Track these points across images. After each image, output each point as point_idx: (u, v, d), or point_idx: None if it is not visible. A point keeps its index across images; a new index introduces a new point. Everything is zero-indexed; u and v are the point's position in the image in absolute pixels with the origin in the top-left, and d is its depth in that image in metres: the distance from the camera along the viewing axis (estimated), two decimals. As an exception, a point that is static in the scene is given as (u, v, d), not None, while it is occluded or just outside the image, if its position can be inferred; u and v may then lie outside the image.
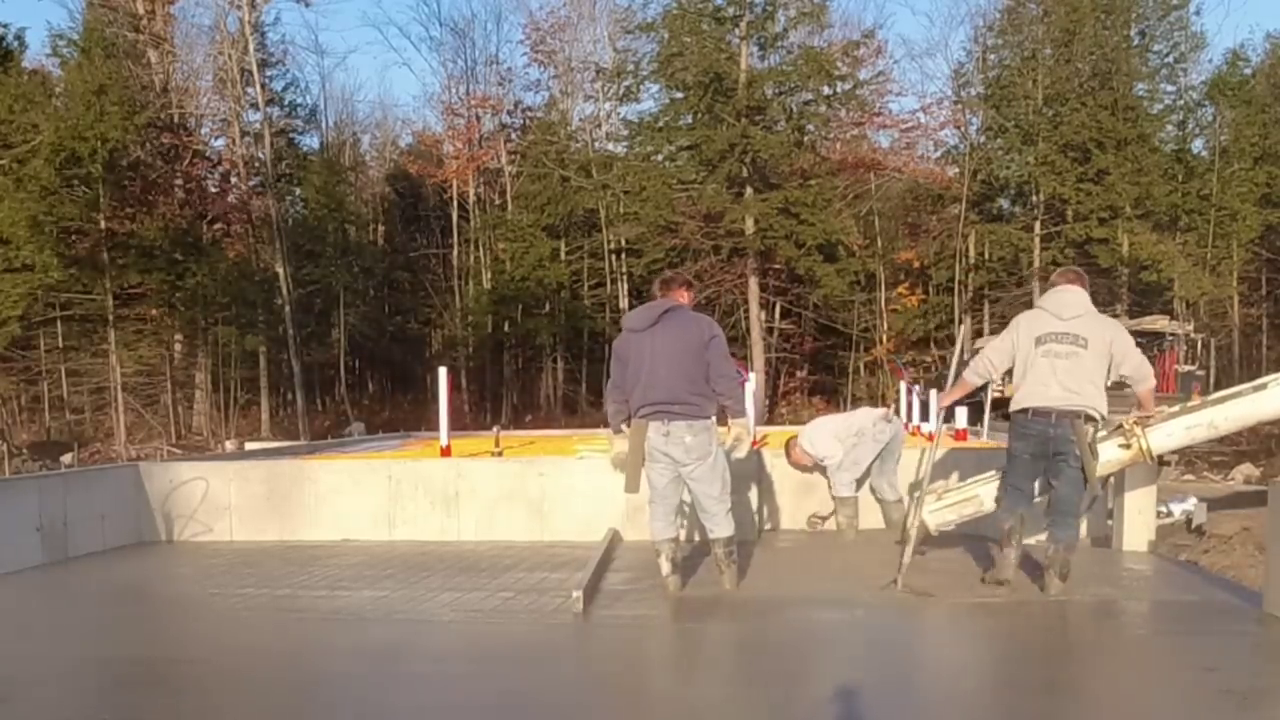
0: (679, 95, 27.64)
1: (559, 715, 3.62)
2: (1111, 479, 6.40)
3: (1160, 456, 6.31)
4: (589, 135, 33.06)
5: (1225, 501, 12.41)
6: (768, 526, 7.28)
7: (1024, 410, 5.17)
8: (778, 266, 28.21)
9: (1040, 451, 5.18)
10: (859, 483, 6.98)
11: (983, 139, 29.57)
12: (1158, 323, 17.75)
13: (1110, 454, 5.58)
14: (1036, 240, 27.93)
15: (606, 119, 33.00)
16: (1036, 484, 5.40)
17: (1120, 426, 5.54)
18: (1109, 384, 5.25)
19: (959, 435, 9.80)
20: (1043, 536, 5.47)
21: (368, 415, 28.39)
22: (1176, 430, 5.55)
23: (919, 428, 11.30)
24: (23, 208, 23.35)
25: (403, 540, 7.21)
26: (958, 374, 5.77)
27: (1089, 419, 5.10)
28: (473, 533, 7.23)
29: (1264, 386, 5.49)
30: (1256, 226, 26.54)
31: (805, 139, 28.17)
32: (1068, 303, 5.21)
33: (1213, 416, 5.53)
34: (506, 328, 31.67)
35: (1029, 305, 25.17)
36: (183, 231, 27.14)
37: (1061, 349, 5.09)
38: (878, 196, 30.02)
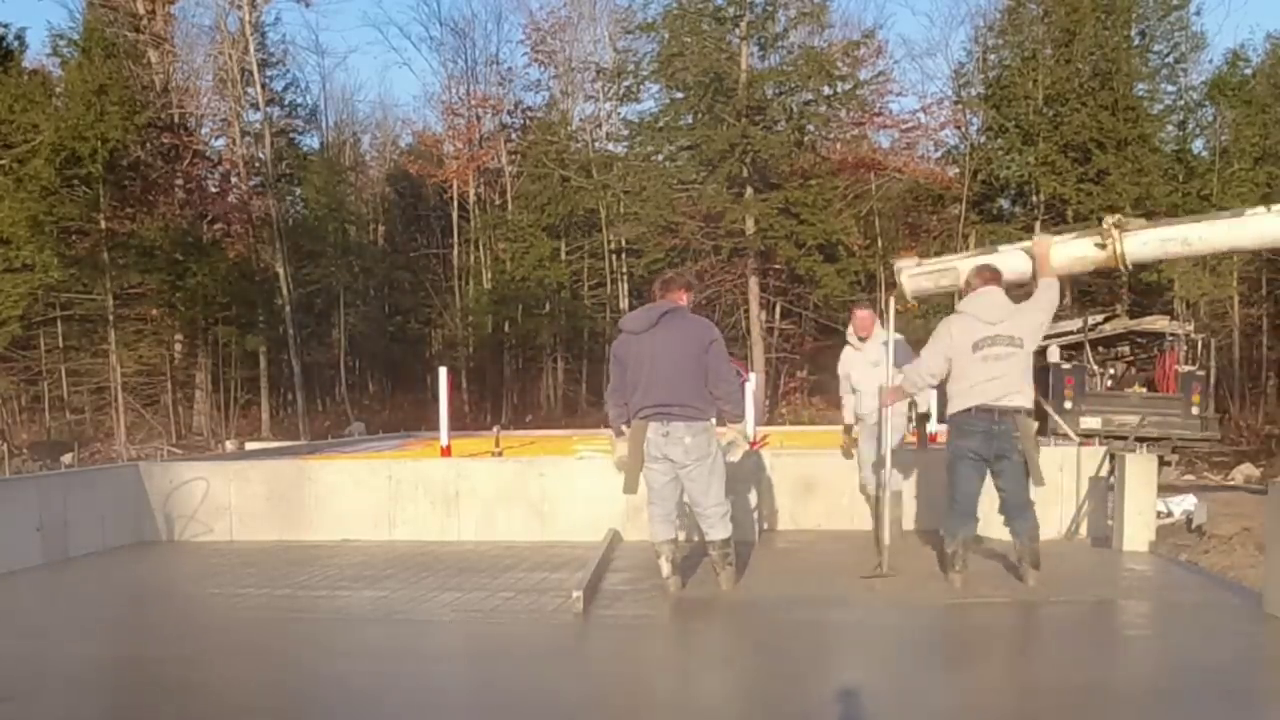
0: (679, 95, 27.61)
1: (559, 715, 3.62)
2: (1112, 478, 6.41)
3: (1161, 457, 6.34)
4: (589, 135, 33.04)
5: (1225, 501, 12.41)
6: (766, 527, 7.28)
7: (966, 410, 5.32)
8: (778, 266, 28.18)
9: (985, 449, 5.30)
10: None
11: (983, 139, 29.54)
12: (1158, 323, 17.70)
13: (1083, 251, 5.68)
14: (1037, 240, 27.90)
15: (607, 119, 32.99)
16: (979, 497, 5.49)
17: (1100, 225, 5.65)
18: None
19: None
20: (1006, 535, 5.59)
21: (368, 415, 28.38)
22: (1152, 240, 5.63)
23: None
24: (23, 208, 23.34)
25: (403, 540, 7.21)
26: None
27: (1028, 414, 5.31)
28: (473, 533, 7.23)
29: (1242, 214, 5.53)
30: (1257, 227, 26.50)
31: (805, 139, 28.14)
32: (992, 305, 5.43)
33: (1188, 233, 5.58)
34: (507, 328, 31.65)
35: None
36: (183, 231, 27.12)
37: (999, 351, 5.31)
38: (878, 196, 29.97)
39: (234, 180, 30.13)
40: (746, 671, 4.25)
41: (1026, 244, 5.80)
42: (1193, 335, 17.40)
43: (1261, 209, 5.40)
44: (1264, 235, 5.42)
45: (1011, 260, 5.72)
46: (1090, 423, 14.90)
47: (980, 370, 5.29)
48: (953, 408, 5.40)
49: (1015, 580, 5.41)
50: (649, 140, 28.78)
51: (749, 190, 26.62)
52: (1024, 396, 5.31)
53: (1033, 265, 5.57)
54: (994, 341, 5.30)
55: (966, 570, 5.42)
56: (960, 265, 5.91)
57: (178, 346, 28.20)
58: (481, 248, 32.72)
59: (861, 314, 7.09)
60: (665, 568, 5.29)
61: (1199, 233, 5.52)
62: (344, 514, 7.40)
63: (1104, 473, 6.53)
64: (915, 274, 6.00)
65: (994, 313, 5.38)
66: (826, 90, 27.67)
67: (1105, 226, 5.57)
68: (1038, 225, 27.91)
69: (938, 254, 26.36)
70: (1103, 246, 5.56)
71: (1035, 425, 5.40)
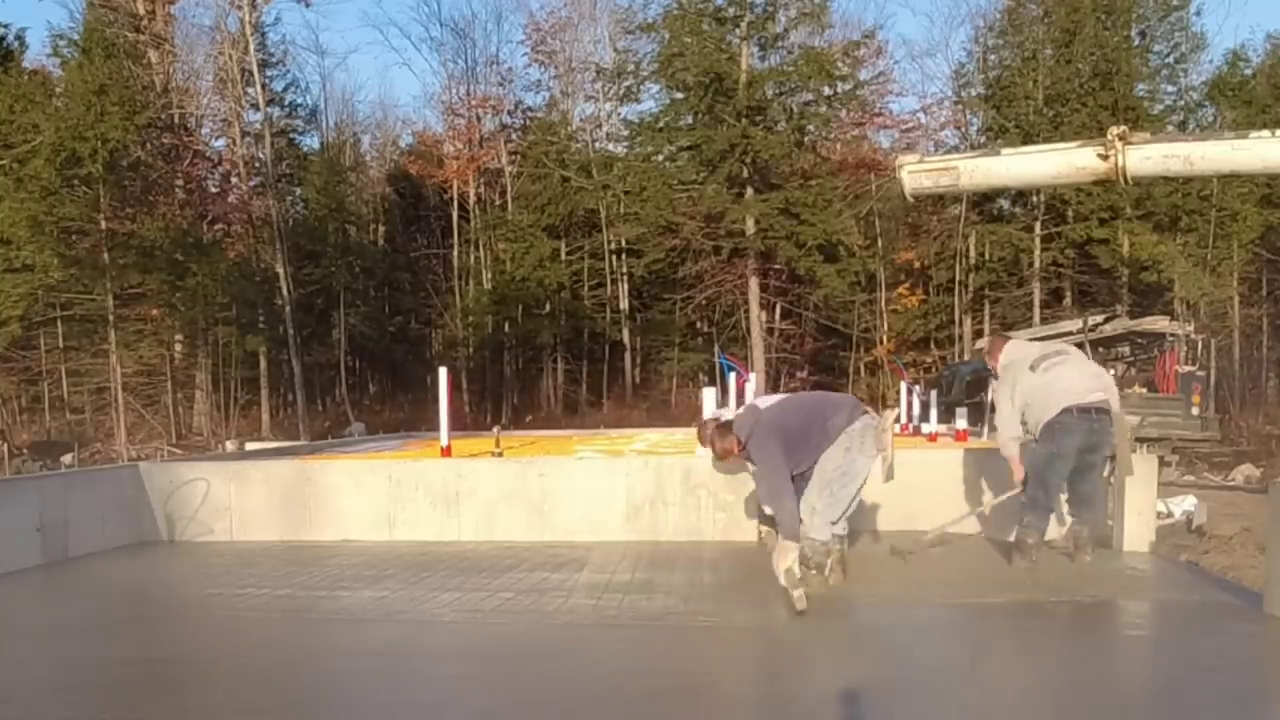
0: (679, 95, 27.64)
1: (559, 716, 3.62)
2: (1113, 478, 6.40)
3: (1161, 457, 6.36)
4: (589, 135, 33.07)
5: (1225, 501, 12.40)
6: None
7: (1068, 409, 5.53)
8: (778, 267, 28.19)
9: (1086, 445, 5.56)
10: None
11: (983, 139, 29.54)
12: (1158, 323, 17.70)
13: (1085, 161, 5.79)
14: (1037, 240, 27.92)
15: (607, 119, 33.03)
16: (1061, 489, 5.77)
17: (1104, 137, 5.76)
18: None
19: (959, 436, 9.80)
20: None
21: (368, 415, 28.39)
22: (1154, 155, 5.69)
23: (919, 428, 11.32)
24: (23, 208, 23.36)
25: (403, 540, 7.21)
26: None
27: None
28: (473, 533, 7.23)
29: (1246, 135, 5.55)
30: (1257, 227, 26.50)
31: (806, 139, 28.17)
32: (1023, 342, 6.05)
33: (1190, 150, 5.63)
34: (507, 328, 31.67)
35: (1029, 305, 24.86)
36: (183, 232, 27.14)
37: (1060, 358, 5.65)
38: (878, 197, 30.02)
39: (234, 180, 30.15)
40: (750, 671, 4.25)
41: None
42: (1193, 336, 17.38)
43: (1265, 132, 5.41)
44: (1266, 159, 5.41)
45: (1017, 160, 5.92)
46: None
47: (1061, 374, 5.62)
48: (1054, 410, 5.55)
49: (1015, 581, 5.41)
50: (649, 140, 28.80)
51: (749, 190, 26.64)
52: (1112, 396, 5.66)
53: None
54: (1047, 355, 5.67)
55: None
56: (961, 165, 5.93)
57: (178, 347, 28.21)
58: (481, 248, 32.74)
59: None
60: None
61: (1202, 151, 5.53)
62: (344, 514, 7.40)
63: (1104, 473, 6.53)
64: (916, 170, 5.96)
65: (1033, 346, 5.86)
66: (826, 90, 27.71)
67: (1109, 137, 5.57)
68: (1037, 225, 27.97)
69: (937, 254, 26.16)
70: (1105, 158, 5.58)
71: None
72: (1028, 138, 27.54)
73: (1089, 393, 5.50)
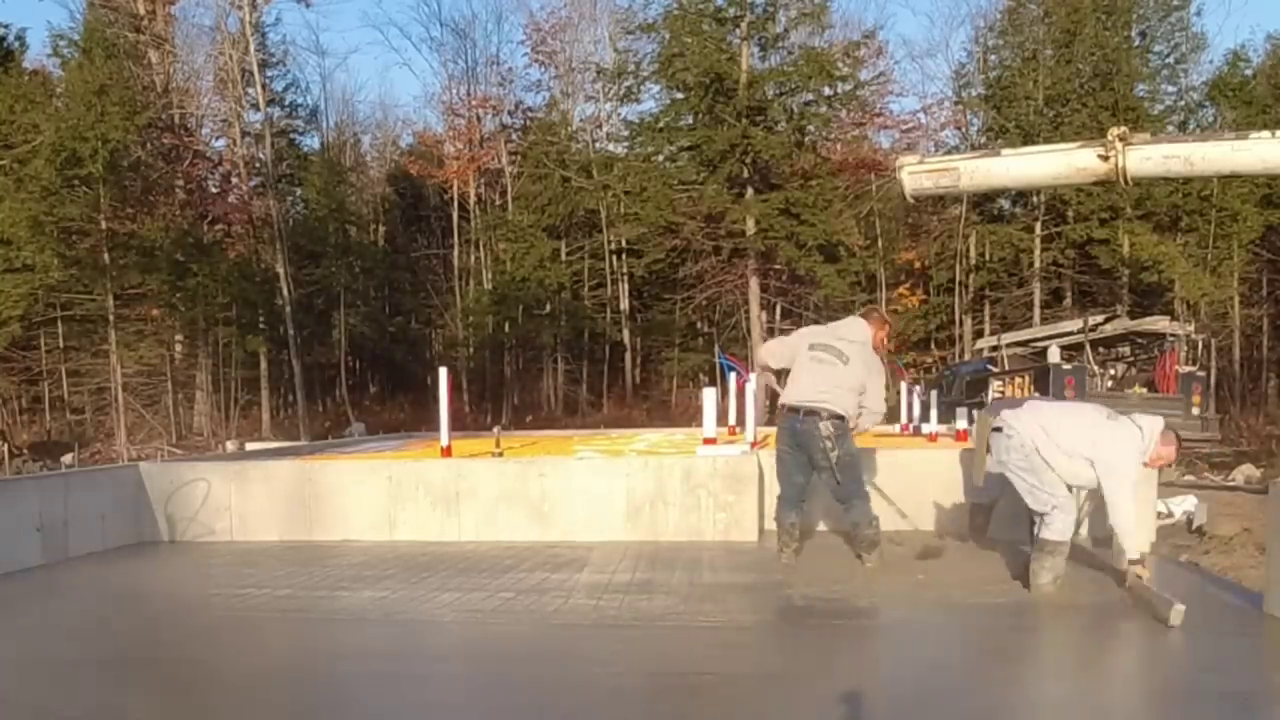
0: (680, 96, 27.64)
1: (560, 716, 3.62)
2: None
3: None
4: (590, 136, 33.08)
5: (1225, 502, 12.41)
6: (766, 527, 7.27)
7: (784, 406, 5.80)
8: (778, 267, 28.18)
9: (793, 443, 5.73)
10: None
11: (984, 139, 29.54)
12: (1158, 324, 17.70)
13: (1086, 162, 5.80)
14: (1037, 241, 27.92)
15: (607, 119, 33.05)
16: (803, 483, 5.92)
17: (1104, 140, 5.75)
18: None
19: (959, 435, 9.79)
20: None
21: (368, 416, 28.39)
22: (1155, 155, 5.69)
23: (919, 428, 11.31)
24: (23, 208, 23.37)
25: (403, 540, 7.20)
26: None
27: (835, 417, 5.61)
28: (473, 533, 7.23)
29: (1246, 136, 5.55)
30: (1257, 227, 26.50)
31: (806, 139, 28.16)
32: (848, 323, 5.96)
33: (1191, 151, 5.64)
34: (507, 328, 31.67)
35: (1029, 305, 24.94)
36: (184, 232, 27.15)
37: (819, 358, 5.72)
38: (879, 197, 30.01)
39: (234, 181, 30.17)
40: (747, 671, 4.24)
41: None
42: (1193, 336, 17.39)
43: (1266, 133, 5.41)
44: (1266, 159, 5.41)
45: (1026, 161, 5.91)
46: None
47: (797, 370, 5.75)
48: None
49: (1015, 582, 5.41)
50: (649, 141, 28.81)
51: (749, 190, 26.63)
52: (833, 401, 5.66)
53: None
54: (822, 347, 5.71)
55: (795, 546, 6.01)
56: (961, 166, 5.96)
57: (178, 347, 28.23)
58: (482, 248, 32.75)
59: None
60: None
61: (1202, 152, 5.53)
62: (344, 514, 7.39)
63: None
64: (916, 171, 6.00)
65: (843, 329, 5.84)
66: (827, 91, 27.71)
67: (1109, 138, 5.58)
68: (1038, 225, 27.97)
69: (937, 254, 26.20)
70: (1105, 158, 5.59)
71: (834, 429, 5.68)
72: (1028, 138, 27.54)
73: (812, 395, 5.61)
